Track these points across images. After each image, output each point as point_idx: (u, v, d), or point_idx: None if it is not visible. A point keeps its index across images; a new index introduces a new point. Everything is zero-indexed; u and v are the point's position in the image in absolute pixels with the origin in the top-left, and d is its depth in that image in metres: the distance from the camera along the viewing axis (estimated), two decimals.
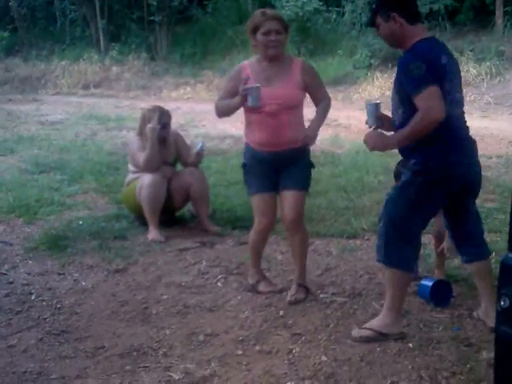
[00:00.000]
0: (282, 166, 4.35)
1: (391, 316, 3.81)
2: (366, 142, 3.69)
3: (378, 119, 3.84)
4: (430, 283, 4.30)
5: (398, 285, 3.78)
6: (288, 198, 4.37)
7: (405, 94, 3.57)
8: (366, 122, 3.84)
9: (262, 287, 4.57)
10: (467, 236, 3.93)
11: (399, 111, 3.69)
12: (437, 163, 3.61)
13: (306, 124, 4.41)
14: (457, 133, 3.69)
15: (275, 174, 4.39)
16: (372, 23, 3.73)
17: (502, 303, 2.59)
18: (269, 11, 4.33)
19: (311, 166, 4.51)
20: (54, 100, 16.36)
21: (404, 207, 3.71)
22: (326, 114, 4.47)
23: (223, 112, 4.40)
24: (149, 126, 5.87)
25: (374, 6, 3.84)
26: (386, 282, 3.88)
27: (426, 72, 3.44)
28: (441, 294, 4.28)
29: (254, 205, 4.45)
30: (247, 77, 4.19)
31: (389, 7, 3.63)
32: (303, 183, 4.44)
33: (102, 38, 19.99)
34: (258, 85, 4.09)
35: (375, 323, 3.83)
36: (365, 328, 3.83)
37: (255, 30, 4.21)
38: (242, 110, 4.30)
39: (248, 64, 4.34)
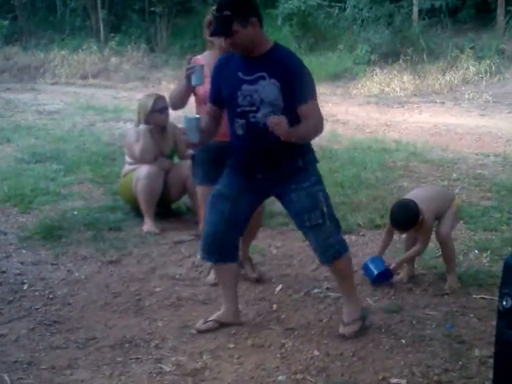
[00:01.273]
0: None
1: (357, 299, 3.97)
2: (273, 126, 3.38)
3: (200, 133, 3.60)
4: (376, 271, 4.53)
5: (351, 267, 3.97)
6: None
7: (290, 98, 3.51)
8: (187, 139, 3.62)
9: None
10: None
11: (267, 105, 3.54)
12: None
13: None
14: None
15: None
16: (228, 31, 3.48)
17: (505, 303, 2.58)
18: None
19: None
20: (52, 89, 16.31)
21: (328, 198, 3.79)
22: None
23: (174, 99, 4.42)
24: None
25: (227, 13, 3.45)
26: (345, 270, 3.87)
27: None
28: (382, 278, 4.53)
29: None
30: (190, 56, 4.27)
31: (247, 12, 3.50)
32: None
33: (101, 28, 19.92)
34: (202, 64, 4.10)
35: (354, 313, 3.85)
36: (350, 323, 3.82)
37: (210, 25, 4.18)
38: None
39: (201, 58, 4.40)
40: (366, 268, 4.60)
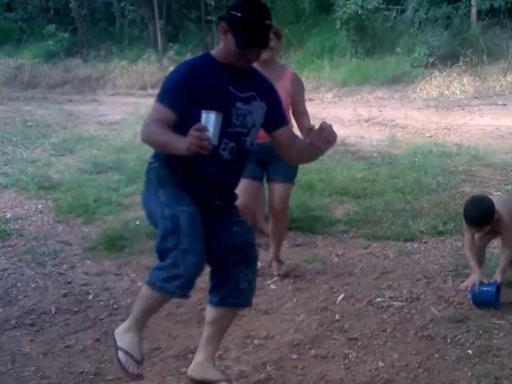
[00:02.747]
0: (268, 158, 4.57)
1: None
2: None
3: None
4: (492, 288, 4.21)
5: None
6: (276, 190, 4.78)
7: (264, 122, 3.25)
8: (208, 138, 2.78)
9: None
10: None
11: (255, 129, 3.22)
12: None
13: None
14: None
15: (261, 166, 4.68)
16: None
17: None
18: None
19: None
20: (112, 100, 16.59)
21: None
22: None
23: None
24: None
25: (268, 23, 3.03)
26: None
27: None
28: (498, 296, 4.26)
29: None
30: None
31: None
32: (290, 176, 4.81)
33: (159, 38, 20.18)
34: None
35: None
36: None
37: None
38: None
39: None
40: (480, 293, 4.25)
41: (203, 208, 3.11)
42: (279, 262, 5.02)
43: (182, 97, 2.97)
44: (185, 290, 3.05)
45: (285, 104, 4.48)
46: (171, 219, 3.01)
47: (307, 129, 3.12)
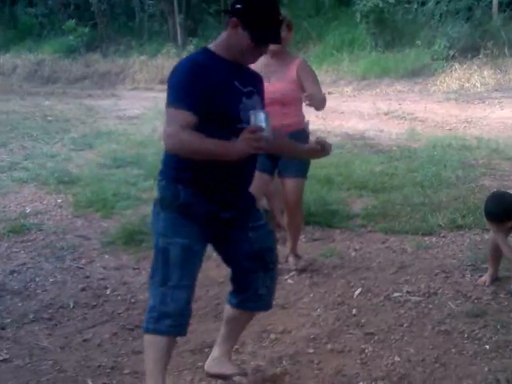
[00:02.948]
0: None
1: None
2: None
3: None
4: None
5: None
6: (288, 186, 4.77)
7: None
8: (266, 137, 2.81)
9: None
10: None
11: None
12: None
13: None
14: None
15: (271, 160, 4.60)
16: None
17: None
18: None
19: None
20: (131, 95, 16.64)
21: None
22: (324, 100, 4.58)
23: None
24: None
25: (281, 18, 3.02)
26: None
27: None
28: None
29: None
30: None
31: None
32: (301, 171, 4.76)
33: (179, 32, 20.19)
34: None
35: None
36: None
37: None
38: None
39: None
40: None
41: (211, 228, 3.02)
42: (296, 256, 5.02)
43: (197, 97, 2.82)
44: (178, 328, 2.98)
45: (290, 92, 4.58)
46: (162, 252, 2.96)
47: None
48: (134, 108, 14.08)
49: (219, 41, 3.01)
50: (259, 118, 2.83)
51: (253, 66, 3.76)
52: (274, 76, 4.55)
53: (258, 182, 4.58)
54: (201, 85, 2.82)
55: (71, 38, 21.82)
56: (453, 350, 3.64)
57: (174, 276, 2.91)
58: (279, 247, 5.18)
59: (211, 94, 2.84)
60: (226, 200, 3.02)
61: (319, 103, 4.54)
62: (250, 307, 3.30)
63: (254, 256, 3.12)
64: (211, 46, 3.03)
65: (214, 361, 3.43)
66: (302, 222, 5.14)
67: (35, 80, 21.19)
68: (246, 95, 2.99)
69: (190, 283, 2.97)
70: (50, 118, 13.01)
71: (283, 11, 4.32)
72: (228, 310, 3.36)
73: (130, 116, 13.11)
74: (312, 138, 8.92)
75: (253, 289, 3.20)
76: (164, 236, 2.97)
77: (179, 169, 2.93)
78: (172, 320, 2.93)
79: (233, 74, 2.97)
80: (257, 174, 4.38)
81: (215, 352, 3.44)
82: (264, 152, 2.87)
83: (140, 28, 22.21)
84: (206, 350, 3.74)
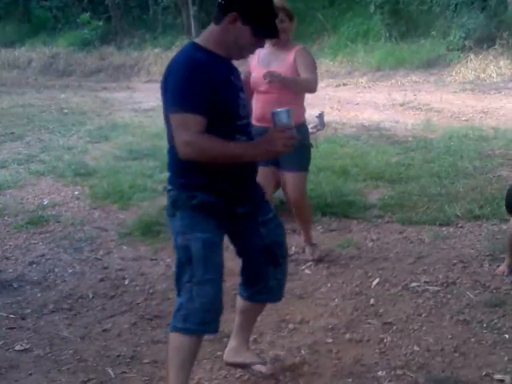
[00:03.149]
0: None
1: None
2: None
3: None
4: None
5: None
6: (289, 180, 4.76)
7: None
8: (294, 134, 2.81)
9: None
10: None
11: None
12: None
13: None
14: None
15: None
16: None
17: None
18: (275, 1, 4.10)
19: (309, 146, 4.71)
20: (146, 88, 16.64)
21: None
22: (303, 81, 4.58)
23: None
24: None
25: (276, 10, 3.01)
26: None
27: None
28: None
29: None
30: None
31: None
32: (302, 165, 4.72)
33: (193, 25, 20.19)
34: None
35: None
36: None
37: None
38: None
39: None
40: None
41: (228, 221, 2.99)
42: (312, 245, 5.01)
43: (202, 97, 2.72)
44: (207, 325, 2.93)
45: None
46: (183, 249, 2.89)
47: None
48: (149, 100, 14.06)
49: (209, 36, 2.87)
50: (284, 116, 2.79)
51: (255, 56, 3.80)
52: (274, 62, 4.58)
53: (265, 174, 4.58)
54: (203, 84, 2.71)
55: (85, 31, 21.90)
56: (472, 340, 3.63)
57: (199, 272, 2.86)
58: (296, 237, 5.24)
59: (214, 92, 2.74)
60: (242, 196, 3.00)
61: (293, 84, 4.54)
62: (260, 299, 3.30)
63: (265, 251, 3.10)
64: (198, 40, 2.89)
65: (233, 350, 3.44)
66: (311, 214, 5.16)
67: (50, 73, 21.25)
68: (241, 90, 2.94)
69: (215, 276, 2.92)
70: (65, 111, 13.05)
71: (294, 2, 4.35)
72: (240, 301, 3.36)
73: (145, 108, 13.12)
74: (327, 130, 8.91)
75: (263, 282, 3.20)
76: (183, 233, 2.91)
77: (193, 176, 2.87)
78: (200, 317, 2.88)
79: (228, 70, 2.90)
80: (262, 166, 4.38)
81: (233, 342, 3.46)
82: (291, 151, 2.81)
83: (154, 21, 22.23)
84: (225, 339, 3.75)
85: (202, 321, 2.89)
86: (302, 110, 4.75)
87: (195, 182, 2.88)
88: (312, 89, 4.64)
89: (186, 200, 2.89)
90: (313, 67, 4.67)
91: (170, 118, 2.77)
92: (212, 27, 2.88)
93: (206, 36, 2.88)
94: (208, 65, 2.77)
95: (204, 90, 2.71)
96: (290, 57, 4.61)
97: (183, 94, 2.73)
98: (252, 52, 3.01)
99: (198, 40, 2.91)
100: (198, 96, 2.71)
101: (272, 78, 4.37)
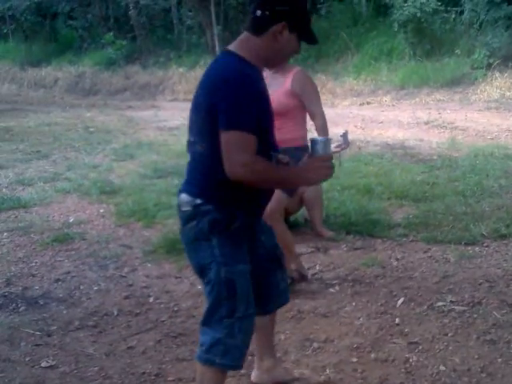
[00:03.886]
0: None
1: None
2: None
3: None
4: None
5: None
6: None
7: None
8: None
9: None
10: None
11: None
12: None
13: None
14: None
15: None
16: None
17: None
18: None
19: None
20: (171, 106, 16.79)
21: None
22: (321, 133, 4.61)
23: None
24: None
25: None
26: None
27: None
28: None
29: None
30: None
31: None
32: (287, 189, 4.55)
33: (217, 44, 20.33)
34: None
35: None
36: None
37: None
38: None
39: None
40: None
41: (248, 236, 2.93)
42: (297, 271, 4.84)
43: (256, 116, 2.61)
44: (242, 360, 2.89)
45: (284, 103, 4.59)
46: (227, 284, 2.75)
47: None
48: (173, 119, 14.18)
49: (249, 47, 2.75)
50: (324, 145, 2.77)
51: None
52: (273, 86, 4.40)
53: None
54: (254, 102, 2.63)
55: (111, 50, 22.16)
56: (499, 360, 3.59)
57: (242, 307, 2.78)
58: (320, 256, 5.24)
59: (260, 109, 2.68)
60: (262, 210, 3.01)
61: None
62: (275, 307, 3.27)
63: (269, 258, 3.10)
64: (237, 51, 2.75)
65: (268, 371, 3.43)
66: (286, 238, 4.66)
67: (76, 92, 21.53)
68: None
69: (254, 310, 2.86)
70: (91, 129, 13.19)
71: (318, 22, 4.35)
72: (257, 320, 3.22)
73: (170, 127, 13.21)
74: (351, 148, 8.88)
75: (276, 288, 3.17)
76: (225, 265, 2.75)
77: (233, 190, 2.71)
78: (240, 353, 2.84)
79: (264, 84, 2.83)
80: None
81: (266, 363, 3.42)
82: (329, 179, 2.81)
83: (178, 40, 22.43)
84: (249, 357, 3.74)
85: (241, 356, 2.86)
86: (300, 133, 4.77)
87: (236, 196, 2.75)
88: (325, 123, 4.72)
89: (227, 223, 2.75)
90: (315, 95, 4.72)
91: (222, 136, 2.60)
92: (250, 38, 2.76)
93: (245, 46, 2.76)
94: (255, 81, 2.69)
95: (255, 107, 2.62)
96: (287, 81, 4.63)
97: (238, 111, 2.59)
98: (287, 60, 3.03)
99: (235, 49, 2.77)
100: (251, 114, 2.60)
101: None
